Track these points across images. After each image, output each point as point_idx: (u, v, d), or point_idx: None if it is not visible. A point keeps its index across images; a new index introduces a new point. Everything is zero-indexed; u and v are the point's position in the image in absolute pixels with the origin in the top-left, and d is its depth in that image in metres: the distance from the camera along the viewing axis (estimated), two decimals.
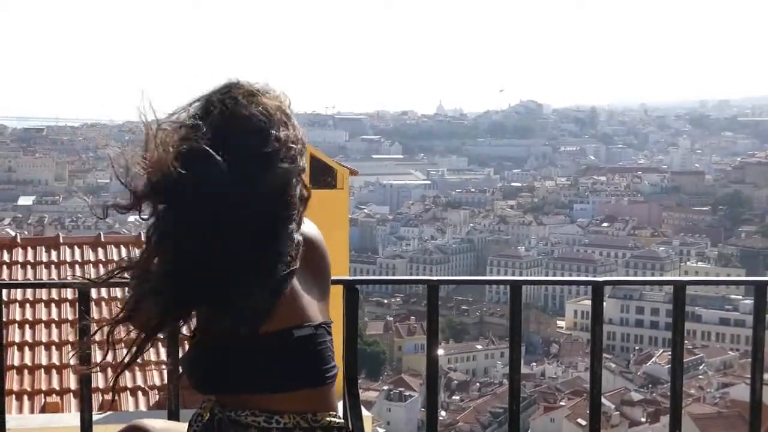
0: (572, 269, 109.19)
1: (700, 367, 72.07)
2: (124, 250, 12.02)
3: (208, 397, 2.42)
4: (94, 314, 10.29)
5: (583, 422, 49.51)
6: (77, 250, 12.00)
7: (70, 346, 10.21)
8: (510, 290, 3.62)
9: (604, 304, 3.93)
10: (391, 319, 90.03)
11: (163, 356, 9.29)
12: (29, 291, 10.69)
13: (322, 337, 2.38)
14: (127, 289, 2.44)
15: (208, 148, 2.23)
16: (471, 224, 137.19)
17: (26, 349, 10.22)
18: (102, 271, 11.54)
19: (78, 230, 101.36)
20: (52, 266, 11.64)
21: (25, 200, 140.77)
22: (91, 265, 11.76)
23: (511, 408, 3.68)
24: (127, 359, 2.50)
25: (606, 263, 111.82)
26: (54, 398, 9.56)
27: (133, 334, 2.48)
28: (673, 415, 3.75)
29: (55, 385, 9.79)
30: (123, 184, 2.31)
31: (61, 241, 12.19)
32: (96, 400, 9.18)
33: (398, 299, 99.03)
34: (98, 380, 9.74)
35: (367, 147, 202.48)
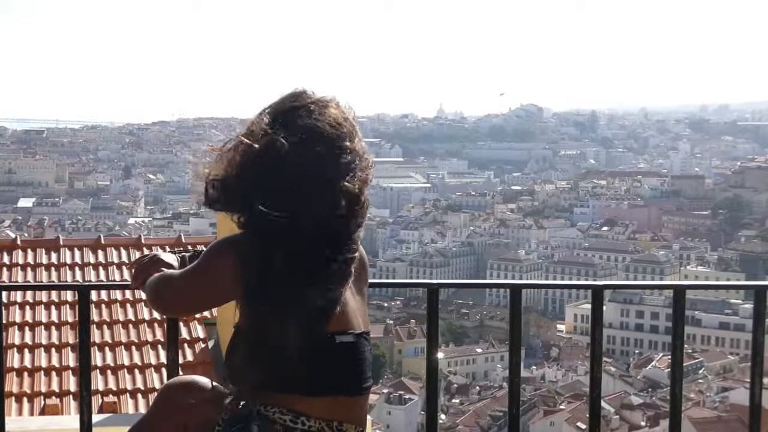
0: (572, 273, 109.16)
1: (700, 371, 71.99)
2: (124, 253, 12.01)
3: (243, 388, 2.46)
4: (94, 317, 10.33)
5: (583, 426, 49.48)
6: (77, 253, 12.00)
7: (69, 348, 10.21)
8: (510, 294, 3.62)
9: (604, 307, 3.93)
10: (391, 322, 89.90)
11: (163, 359, 9.30)
12: (29, 293, 10.69)
13: (362, 346, 2.45)
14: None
15: (291, 158, 2.34)
16: (471, 227, 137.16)
17: (26, 351, 10.21)
18: (102, 274, 11.56)
19: (78, 232, 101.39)
20: (52, 268, 11.64)
21: (25, 202, 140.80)
22: (91, 267, 11.76)
23: (511, 411, 3.68)
24: None
25: (606, 267, 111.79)
26: (53, 400, 9.55)
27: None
28: (672, 419, 3.75)
29: (55, 387, 9.78)
30: (205, 193, 2.46)
31: (61, 243, 12.19)
32: (96, 402, 9.18)
33: (398, 302, 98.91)
34: (98, 382, 9.75)
35: (368, 150, 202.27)
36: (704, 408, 56.77)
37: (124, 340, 10.31)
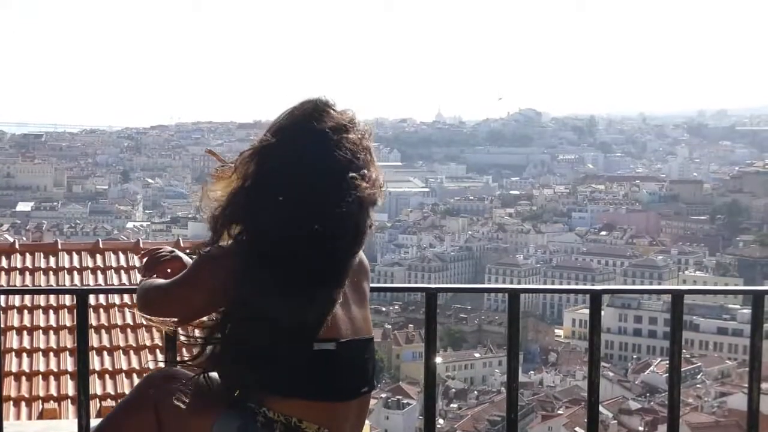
0: (570, 278, 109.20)
1: (698, 376, 72.01)
2: (122, 257, 12.01)
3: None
4: (93, 321, 10.33)
5: (581, 431, 49.45)
6: (76, 257, 11.99)
7: (68, 352, 10.20)
8: (508, 298, 3.63)
9: (602, 312, 3.93)
10: (390, 326, 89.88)
11: (161, 363, 9.27)
12: (27, 297, 10.67)
13: (348, 353, 2.47)
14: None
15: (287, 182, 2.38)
16: (469, 232, 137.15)
17: (24, 355, 10.20)
18: (100, 278, 11.56)
19: (76, 236, 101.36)
20: (51, 272, 11.63)
21: (23, 206, 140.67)
22: (89, 271, 11.75)
23: (509, 416, 3.68)
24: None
25: (604, 272, 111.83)
26: (52, 405, 9.54)
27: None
28: (670, 424, 3.75)
29: (53, 391, 9.77)
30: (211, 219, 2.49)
31: (60, 247, 12.17)
32: (94, 406, 9.17)
33: (396, 307, 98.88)
34: (96, 386, 9.74)
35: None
36: (702, 413, 56.79)
37: (122, 344, 10.31)
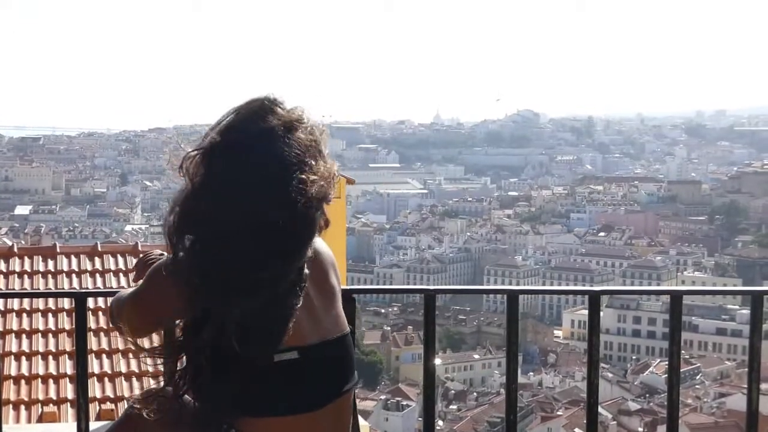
0: (569, 279, 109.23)
1: (697, 377, 72.08)
2: (120, 260, 12.01)
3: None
4: (91, 324, 10.32)
5: None
6: (74, 260, 11.99)
7: (67, 355, 10.20)
8: (507, 300, 3.62)
9: (601, 313, 3.94)
10: (389, 328, 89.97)
11: (160, 366, 9.26)
12: (26, 300, 10.67)
13: (312, 360, 2.35)
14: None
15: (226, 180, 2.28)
16: (468, 233, 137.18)
17: (23, 358, 10.20)
18: (99, 281, 11.55)
19: (75, 239, 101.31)
20: (49, 276, 11.63)
21: (21, 209, 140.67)
22: (87, 274, 11.75)
23: (509, 418, 3.68)
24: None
25: (603, 273, 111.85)
26: (51, 408, 9.53)
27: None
28: (670, 424, 3.75)
29: (52, 394, 9.77)
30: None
31: (58, 250, 12.18)
32: (93, 409, 9.17)
33: (395, 309, 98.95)
34: (95, 390, 9.74)
35: (364, 156, 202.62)
36: (701, 413, 56.85)
37: (121, 347, 10.30)
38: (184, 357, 2.39)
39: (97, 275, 11.69)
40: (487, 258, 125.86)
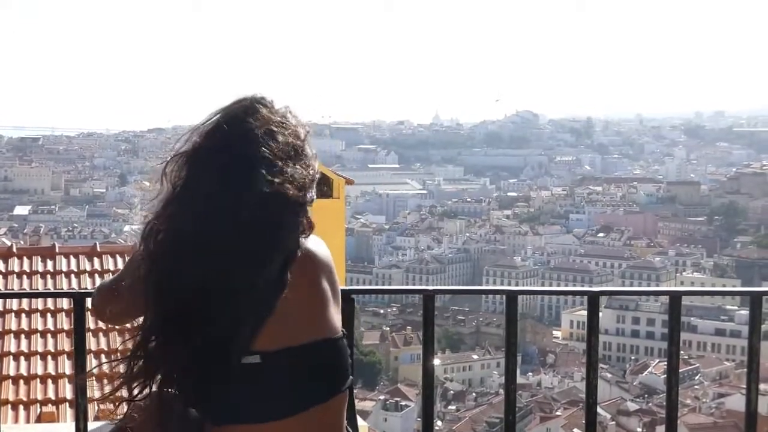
0: (568, 279, 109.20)
1: (696, 378, 72.10)
2: (120, 260, 12.00)
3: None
4: (90, 324, 10.31)
5: None
6: (73, 260, 11.99)
7: (66, 355, 10.20)
8: (506, 300, 3.62)
9: (600, 314, 3.93)
10: (388, 329, 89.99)
11: None
12: (25, 301, 10.67)
13: (277, 365, 2.25)
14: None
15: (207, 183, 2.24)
16: (467, 234, 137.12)
17: (22, 359, 10.20)
18: (98, 281, 11.55)
19: (74, 240, 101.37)
20: (48, 276, 11.63)
21: (21, 210, 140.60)
22: (87, 274, 11.75)
23: (507, 418, 3.68)
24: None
25: (602, 273, 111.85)
26: (50, 408, 9.54)
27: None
28: (669, 425, 3.75)
29: (51, 394, 9.77)
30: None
31: (57, 250, 12.19)
32: (92, 409, 9.16)
33: (394, 309, 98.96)
34: (94, 390, 9.72)
35: (364, 156, 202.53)
36: (700, 414, 56.89)
37: (119, 347, 10.30)
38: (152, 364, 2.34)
39: (96, 275, 11.69)
40: (486, 258, 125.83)
